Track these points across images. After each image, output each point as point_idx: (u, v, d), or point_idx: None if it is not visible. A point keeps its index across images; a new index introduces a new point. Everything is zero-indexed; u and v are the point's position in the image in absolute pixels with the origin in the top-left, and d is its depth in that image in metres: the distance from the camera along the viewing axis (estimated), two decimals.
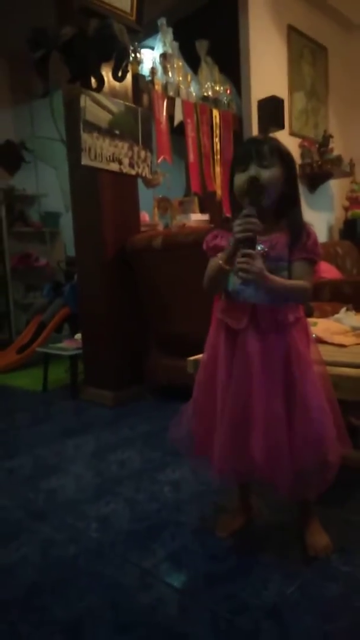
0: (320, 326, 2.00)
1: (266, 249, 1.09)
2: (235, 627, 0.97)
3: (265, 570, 1.13)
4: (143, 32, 2.65)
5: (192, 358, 1.98)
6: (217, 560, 1.19)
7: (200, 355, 1.97)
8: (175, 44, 3.20)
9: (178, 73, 3.18)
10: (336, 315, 2.17)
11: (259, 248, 1.07)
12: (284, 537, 1.28)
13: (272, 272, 1.06)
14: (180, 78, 3.20)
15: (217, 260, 1.10)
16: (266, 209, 1.09)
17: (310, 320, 2.15)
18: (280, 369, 1.10)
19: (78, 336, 2.84)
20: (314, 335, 1.95)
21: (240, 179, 1.09)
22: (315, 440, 1.09)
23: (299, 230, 1.10)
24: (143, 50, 3.04)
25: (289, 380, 1.10)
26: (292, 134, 3.91)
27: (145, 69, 3.00)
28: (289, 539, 1.26)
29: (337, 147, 4.11)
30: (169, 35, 3.17)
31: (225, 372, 1.14)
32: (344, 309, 2.20)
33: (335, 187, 4.44)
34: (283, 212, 1.13)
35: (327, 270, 3.57)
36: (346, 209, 4.51)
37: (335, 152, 4.02)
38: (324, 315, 2.35)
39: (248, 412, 1.09)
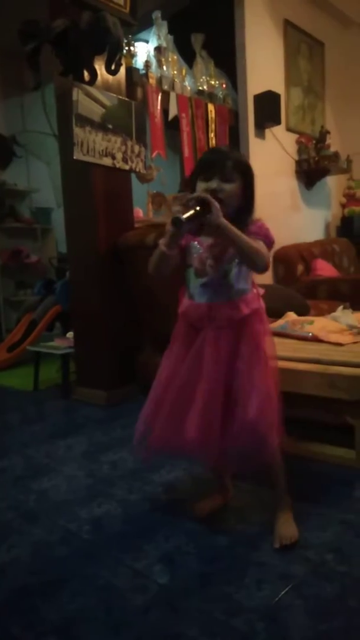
0: (316, 324, 1.99)
1: (217, 251, 1.19)
2: (229, 628, 0.96)
3: (259, 571, 1.12)
4: (137, 25, 2.61)
5: None
6: (211, 561, 1.18)
7: None
8: (170, 38, 3.17)
9: (173, 67, 3.15)
10: (333, 314, 2.16)
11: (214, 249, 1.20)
12: None
13: (225, 273, 1.20)
14: (175, 72, 3.17)
15: (160, 247, 1.17)
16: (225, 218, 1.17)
17: (307, 318, 2.15)
18: (227, 359, 1.21)
19: (70, 334, 2.81)
20: (310, 334, 1.95)
21: (201, 187, 1.17)
22: (251, 424, 1.17)
23: (245, 226, 1.19)
24: (137, 44, 3.01)
25: (236, 370, 1.20)
26: (289, 129, 3.89)
27: (139, 63, 2.97)
28: None
29: (334, 144, 4.10)
30: (164, 29, 3.14)
31: (179, 363, 1.26)
32: (340, 307, 2.20)
33: (332, 184, 4.43)
34: (240, 222, 1.18)
35: (324, 268, 3.57)
36: (343, 206, 4.50)
37: (332, 149, 4.01)
38: (321, 313, 2.34)
39: (191, 395, 1.20)
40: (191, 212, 1.07)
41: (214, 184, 1.15)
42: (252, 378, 1.19)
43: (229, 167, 1.15)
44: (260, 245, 1.16)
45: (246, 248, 1.13)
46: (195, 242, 1.23)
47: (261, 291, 1.31)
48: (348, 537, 1.24)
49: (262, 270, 1.18)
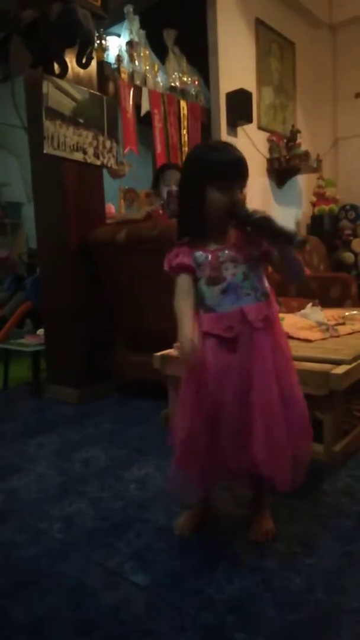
0: (286, 321, 2.02)
1: (232, 254, 1.13)
2: (200, 622, 0.97)
3: (230, 565, 1.13)
4: (108, 18, 2.58)
5: (158, 354, 1.96)
6: (183, 556, 1.18)
7: (168, 351, 1.96)
8: (142, 33, 3.15)
9: (145, 62, 3.13)
10: (302, 311, 2.20)
11: (226, 252, 1.14)
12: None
13: (247, 275, 1.13)
14: (147, 67, 3.15)
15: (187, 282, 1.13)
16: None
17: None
18: (272, 364, 1.13)
19: (40, 331, 2.77)
20: None
21: (222, 200, 1.10)
22: (304, 427, 1.16)
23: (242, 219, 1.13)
24: (109, 38, 2.97)
25: (278, 373, 1.14)
26: (260, 128, 3.93)
27: (111, 57, 2.94)
28: None
29: (304, 143, 4.16)
30: (136, 23, 3.11)
31: (217, 381, 1.13)
32: (310, 305, 2.24)
33: (303, 183, 4.49)
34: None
35: None
36: (313, 205, 4.57)
37: (303, 148, 4.07)
38: (291, 310, 2.38)
39: (249, 414, 1.11)
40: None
41: (237, 194, 1.11)
42: (291, 383, 1.16)
43: (246, 177, 1.13)
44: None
45: (292, 257, 1.13)
46: (200, 252, 1.15)
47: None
48: (316, 529, 1.27)
49: (303, 279, 1.16)
